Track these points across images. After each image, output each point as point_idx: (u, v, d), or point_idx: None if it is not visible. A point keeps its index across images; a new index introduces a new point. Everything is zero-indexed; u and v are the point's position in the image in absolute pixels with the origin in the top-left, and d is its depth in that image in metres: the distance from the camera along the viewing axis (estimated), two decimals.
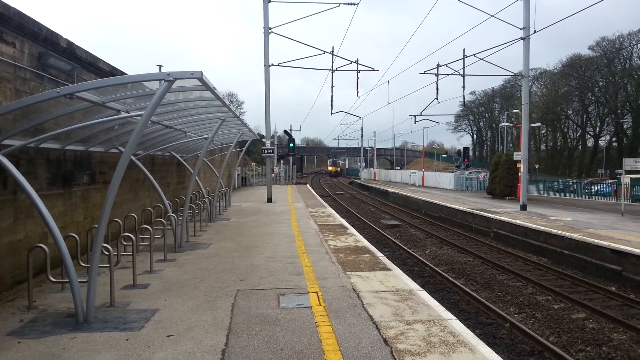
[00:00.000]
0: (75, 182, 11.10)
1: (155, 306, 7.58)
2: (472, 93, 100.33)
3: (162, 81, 6.62)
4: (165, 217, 13.09)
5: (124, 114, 9.03)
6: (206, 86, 7.34)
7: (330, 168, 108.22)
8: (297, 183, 58.66)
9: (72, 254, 7.45)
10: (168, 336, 6.28)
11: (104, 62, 12.31)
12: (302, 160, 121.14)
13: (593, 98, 77.04)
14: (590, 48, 73.66)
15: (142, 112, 7.31)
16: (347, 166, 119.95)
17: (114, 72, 12.75)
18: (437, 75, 25.30)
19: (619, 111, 72.37)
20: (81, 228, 11.15)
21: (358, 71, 27.27)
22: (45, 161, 9.67)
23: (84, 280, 7.04)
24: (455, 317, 7.17)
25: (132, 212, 14.01)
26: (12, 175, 7.14)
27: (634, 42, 67.64)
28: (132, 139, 6.81)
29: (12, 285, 8.55)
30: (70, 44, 10.36)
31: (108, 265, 7.82)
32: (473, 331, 6.98)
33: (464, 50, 24.41)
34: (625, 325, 9.61)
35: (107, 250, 7.75)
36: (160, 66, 17.64)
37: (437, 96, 26.02)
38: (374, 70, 27.50)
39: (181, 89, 8.93)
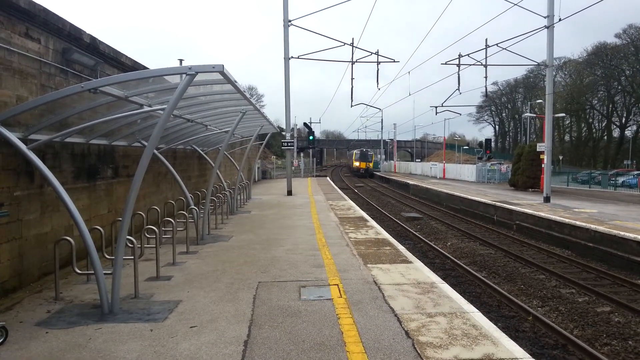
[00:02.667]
0: (99, 176, 11.29)
1: (178, 298, 7.69)
2: (495, 83, 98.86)
3: (184, 75, 6.66)
4: (187, 210, 13.24)
5: (146, 108, 9.13)
6: (227, 79, 7.37)
7: (356, 164, 68.24)
8: (317, 176, 58.70)
9: (97, 247, 7.58)
10: (191, 327, 6.36)
11: (126, 56, 12.45)
12: (322, 153, 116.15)
13: (619, 87, 75.23)
14: (617, 36, 71.89)
15: (164, 106, 7.38)
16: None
17: (135, 66, 12.89)
18: (458, 65, 25.02)
19: None
20: (105, 221, 11.34)
21: (378, 62, 27.07)
22: (70, 155, 9.84)
23: (109, 272, 7.17)
24: (477, 310, 7.11)
25: (154, 205, 14.19)
26: (38, 169, 7.29)
27: None
28: (155, 133, 6.89)
29: (39, 277, 8.75)
30: (93, 39, 10.49)
31: (132, 257, 7.95)
32: (495, 324, 6.91)
33: (486, 40, 24.10)
34: None
35: (131, 242, 7.87)
36: (181, 60, 17.81)
37: (458, 87, 25.75)
38: (394, 61, 27.25)
39: (202, 83, 8.98)
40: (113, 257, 7.57)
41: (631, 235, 13.77)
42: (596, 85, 77.30)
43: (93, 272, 7.06)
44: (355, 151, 72.11)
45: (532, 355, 5.91)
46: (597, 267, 13.67)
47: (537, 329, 9.15)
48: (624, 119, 76.61)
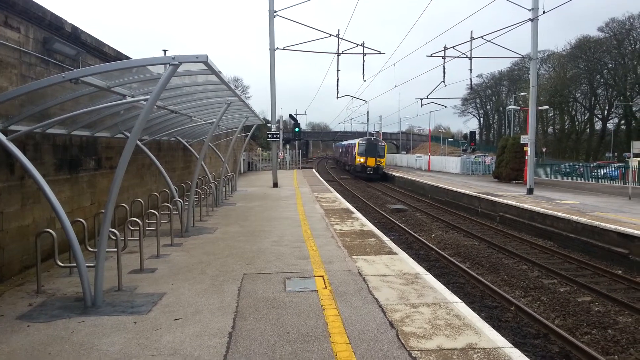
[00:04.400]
0: (81, 168, 11.15)
1: (162, 290, 7.65)
2: (479, 76, 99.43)
3: (167, 65, 6.59)
4: (172, 202, 13.14)
5: (129, 99, 9.02)
6: (211, 70, 7.31)
7: (360, 159, 46.33)
8: (302, 168, 58.65)
9: (80, 239, 7.50)
10: (175, 319, 6.34)
11: (109, 46, 12.26)
12: (308, 144, 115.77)
13: (602, 80, 76.11)
14: (600, 29, 72.57)
15: (148, 97, 7.30)
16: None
17: (118, 56, 12.71)
18: (444, 57, 25.08)
19: (628, 94, 71.48)
20: (88, 213, 11.21)
21: (364, 54, 27.05)
22: (51, 147, 9.69)
23: (92, 264, 7.10)
24: (460, 301, 7.19)
25: (138, 197, 14.06)
26: (19, 160, 7.16)
27: None
28: (138, 124, 6.81)
29: (21, 270, 8.64)
30: (75, 28, 10.31)
31: (115, 250, 7.89)
32: (479, 314, 7.00)
33: (471, 32, 24.16)
34: (631, 308, 9.61)
35: (115, 235, 7.80)
36: (165, 51, 17.56)
37: (444, 79, 25.81)
38: (380, 53, 27.25)
39: (186, 73, 8.90)
40: (96, 250, 7.50)
41: (612, 227, 13.99)
42: (579, 78, 78.10)
43: (75, 264, 6.99)
44: (358, 140, 47.97)
45: (514, 344, 5.99)
46: (578, 258, 13.88)
47: (520, 319, 9.28)
48: (606, 112, 77.57)
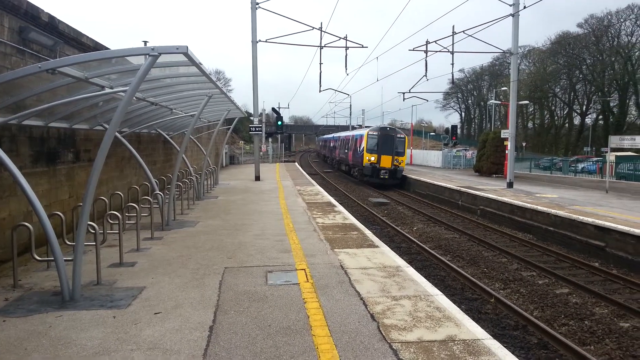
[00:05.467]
0: (59, 160, 10.95)
1: (142, 284, 7.56)
2: (461, 71, 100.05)
3: (147, 56, 6.49)
4: (152, 195, 12.99)
5: (108, 90, 8.88)
6: (192, 61, 7.23)
7: (369, 158, 32.94)
8: (285, 161, 58.49)
9: (58, 233, 7.38)
10: (155, 314, 6.28)
11: (87, 37, 12.05)
12: (291, 138, 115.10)
13: (580, 76, 77.35)
14: (579, 25, 73.75)
15: (127, 88, 7.18)
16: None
17: (97, 47, 12.49)
18: (426, 52, 25.16)
19: (605, 89, 72.82)
20: (66, 206, 11.03)
21: (347, 48, 26.99)
22: (28, 139, 9.50)
23: (70, 258, 6.99)
24: (441, 293, 7.25)
25: (118, 190, 13.89)
26: None
27: (621, 19, 67.76)
28: (117, 116, 6.71)
29: None
30: (52, 18, 10.10)
31: (94, 243, 7.76)
32: (459, 306, 7.07)
33: (453, 26, 24.28)
34: (607, 300, 9.80)
35: (93, 228, 7.69)
36: (145, 42, 17.31)
37: (426, 73, 25.90)
38: (362, 46, 27.20)
39: (167, 65, 8.79)
40: (74, 244, 7.38)
41: (589, 220, 14.23)
42: (559, 73, 79.25)
43: (53, 258, 6.87)
44: (367, 131, 34.20)
45: (493, 336, 6.06)
46: (556, 251, 14.10)
47: (499, 311, 9.39)
48: (584, 107, 78.87)
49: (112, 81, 9.20)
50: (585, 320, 8.95)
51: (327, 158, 58.91)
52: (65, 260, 6.85)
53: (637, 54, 68.91)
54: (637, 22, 66.63)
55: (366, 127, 46.52)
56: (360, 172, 34.63)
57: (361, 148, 34.03)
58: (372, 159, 32.57)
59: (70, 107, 9.79)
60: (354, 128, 58.19)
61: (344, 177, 42.78)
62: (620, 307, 9.42)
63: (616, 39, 70.57)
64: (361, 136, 34.97)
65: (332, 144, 54.42)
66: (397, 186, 32.90)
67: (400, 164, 32.92)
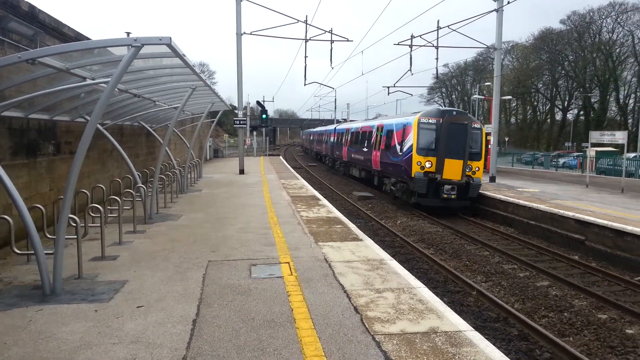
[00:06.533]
0: (40, 152, 10.78)
1: (124, 277, 7.50)
2: (445, 65, 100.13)
3: (130, 47, 6.41)
4: (135, 188, 12.87)
5: (89, 81, 8.76)
6: (175, 53, 7.16)
7: (420, 163, 18.90)
8: (270, 155, 58.35)
9: (38, 226, 7.28)
10: (138, 307, 6.23)
11: (69, 27, 11.85)
12: (275, 132, 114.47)
13: (563, 72, 78.18)
14: (562, 22, 74.52)
15: (109, 80, 7.09)
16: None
17: (79, 38, 12.30)
18: (410, 46, 25.26)
19: (587, 85, 73.74)
20: (47, 199, 10.87)
21: (332, 41, 26.93)
22: (7, 130, 9.33)
23: (51, 252, 6.89)
24: (424, 286, 7.31)
25: (100, 183, 13.72)
26: None
27: (603, 16, 68.55)
28: (98, 107, 6.62)
29: None
30: (32, 7, 9.91)
31: (75, 237, 7.67)
32: (441, 299, 7.14)
33: (437, 21, 24.38)
34: (586, 292, 9.98)
35: (74, 221, 7.59)
36: (128, 33, 17.09)
37: (410, 68, 26.02)
38: (348, 40, 27.18)
39: (150, 56, 8.69)
40: (55, 237, 7.28)
41: (570, 214, 14.44)
42: (541, 69, 79.99)
43: (33, 252, 6.77)
44: (418, 117, 19.73)
45: (475, 328, 6.14)
46: (537, 244, 14.30)
47: (481, 303, 9.51)
48: (566, 103, 79.83)
49: (94, 72, 9.07)
50: (565, 312, 9.10)
51: (318, 154, 51.22)
52: (46, 253, 6.76)
53: (617, 50, 69.90)
54: (618, 19, 67.53)
55: (328, 124, 32.25)
56: (404, 189, 21.09)
57: (406, 146, 20.11)
58: (428, 165, 19.23)
59: (51, 98, 9.65)
60: (338, 122, 51.23)
61: (329, 171, 42.78)
62: (598, 299, 9.60)
63: (597, 36, 71.42)
64: (403, 126, 20.90)
65: (334, 139, 39.63)
66: (463, 209, 19.92)
67: (475, 173, 19.64)
